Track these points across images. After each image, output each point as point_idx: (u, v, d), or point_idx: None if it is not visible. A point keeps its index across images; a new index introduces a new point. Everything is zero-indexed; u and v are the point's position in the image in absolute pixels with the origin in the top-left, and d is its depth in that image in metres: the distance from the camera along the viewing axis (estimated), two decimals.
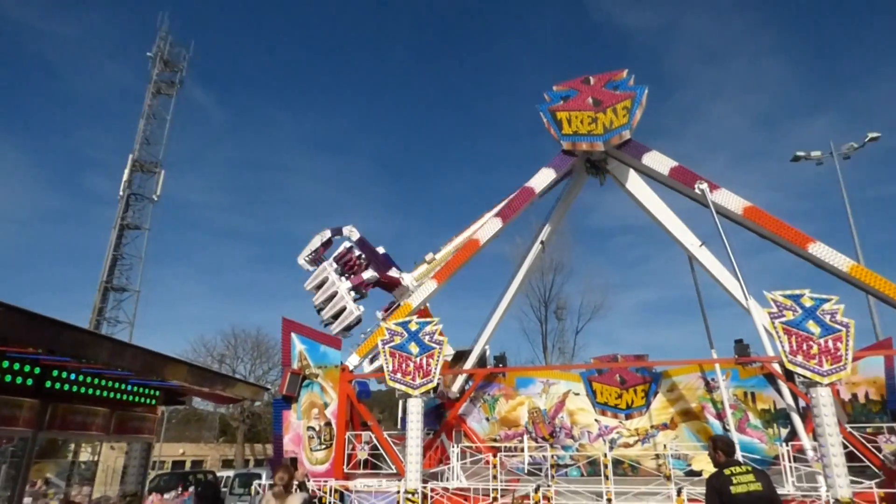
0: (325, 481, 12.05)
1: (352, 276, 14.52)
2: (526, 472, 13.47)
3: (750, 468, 5.15)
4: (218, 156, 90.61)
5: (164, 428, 42.58)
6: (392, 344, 11.25)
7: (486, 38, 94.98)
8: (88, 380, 6.75)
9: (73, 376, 6.45)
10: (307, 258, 14.90)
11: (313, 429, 13.18)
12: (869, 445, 10.74)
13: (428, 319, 11.61)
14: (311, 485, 11.77)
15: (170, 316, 78.28)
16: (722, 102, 76.58)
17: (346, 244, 15.14)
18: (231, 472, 20.60)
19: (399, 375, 11.02)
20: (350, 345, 14.00)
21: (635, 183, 15.04)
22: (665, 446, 13.98)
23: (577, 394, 16.43)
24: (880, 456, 10.61)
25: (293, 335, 13.89)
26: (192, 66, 41.92)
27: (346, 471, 12.62)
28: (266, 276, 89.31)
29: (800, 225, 12.52)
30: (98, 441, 7.81)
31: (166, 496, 15.34)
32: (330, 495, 11.76)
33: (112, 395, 7.15)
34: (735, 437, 12.83)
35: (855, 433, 10.93)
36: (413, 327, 11.31)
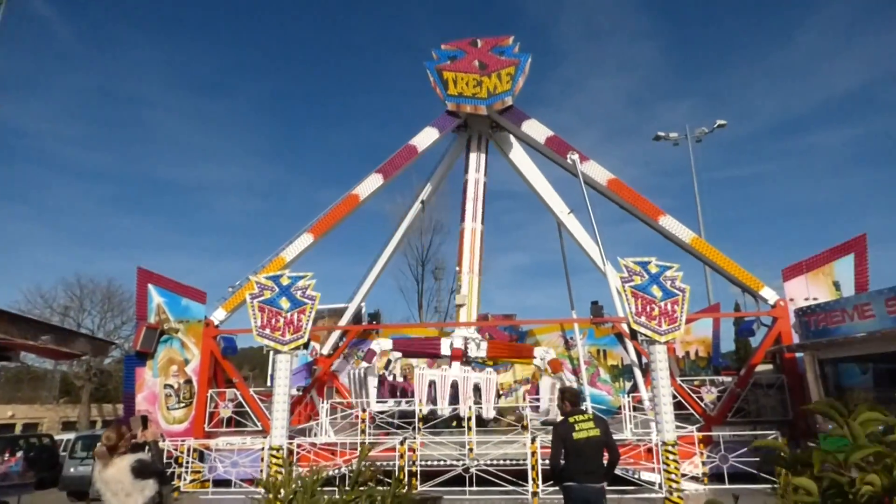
0: (183, 440, 11.44)
1: None
2: (396, 425, 13.76)
3: (591, 416, 5.62)
4: (65, 81, 78.48)
5: None
6: (261, 298, 10.74)
7: None
8: None
9: None
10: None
11: (171, 387, 12.36)
12: (694, 396, 12.31)
13: (301, 274, 11.23)
14: (166, 444, 11.11)
15: None
16: (599, 79, 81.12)
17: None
18: (72, 435, 18.78)
19: (268, 331, 10.59)
20: (216, 299, 13.18)
21: (514, 149, 15.51)
22: (525, 399, 15.00)
23: None
24: (702, 404, 12.22)
25: (150, 287, 12.77)
26: None
27: (207, 429, 12.06)
28: (121, 222, 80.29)
29: (656, 199, 13.80)
30: None
31: None
32: (188, 455, 11.20)
33: None
34: (587, 390, 14.09)
35: (684, 385, 12.45)
36: (285, 282, 10.87)
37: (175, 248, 77.29)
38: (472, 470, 10.22)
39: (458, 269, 14.93)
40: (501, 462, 10.42)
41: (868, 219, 66.55)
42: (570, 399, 5.80)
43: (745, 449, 10.23)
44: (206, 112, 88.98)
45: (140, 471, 4.59)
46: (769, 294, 12.38)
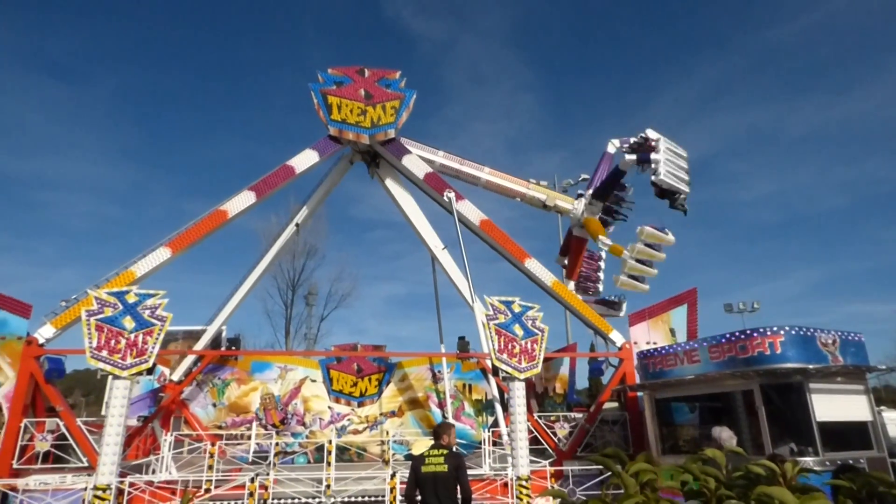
0: None
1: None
2: (250, 460, 12.89)
3: (444, 452, 5.77)
4: None
5: None
6: (100, 316, 9.61)
7: (273, 4, 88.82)
8: None
9: None
10: None
11: None
12: (549, 431, 12.93)
13: (152, 291, 10.26)
14: None
15: None
16: (482, 123, 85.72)
17: None
18: None
19: (105, 353, 9.46)
20: (44, 313, 11.52)
21: (394, 181, 15.65)
22: (387, 432, 14.79)
23: (314, 380, 16.38)
24: (555, 439, 12.85)
25: None
26: None
27: (15, 466, 10.38)
28: None
29: (525, 242, 14.70)
30: None
31: None
32: None
33: None
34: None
35: (540, 421, 13.04)
36: (131, 299, 9.84)
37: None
38: None
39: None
40: (360, 499, 10.11)
41: (700, 274, 76.13)
42: (433, 434, 6.01)
43: (593, 482, 10.88)
44: (60, 98, 79.88)
45: None
46: (617, 337, 13.50)
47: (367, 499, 10.17)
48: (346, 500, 10.02)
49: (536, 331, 10.24)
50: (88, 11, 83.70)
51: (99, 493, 8.84)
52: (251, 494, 9.62)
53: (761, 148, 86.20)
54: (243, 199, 13.39)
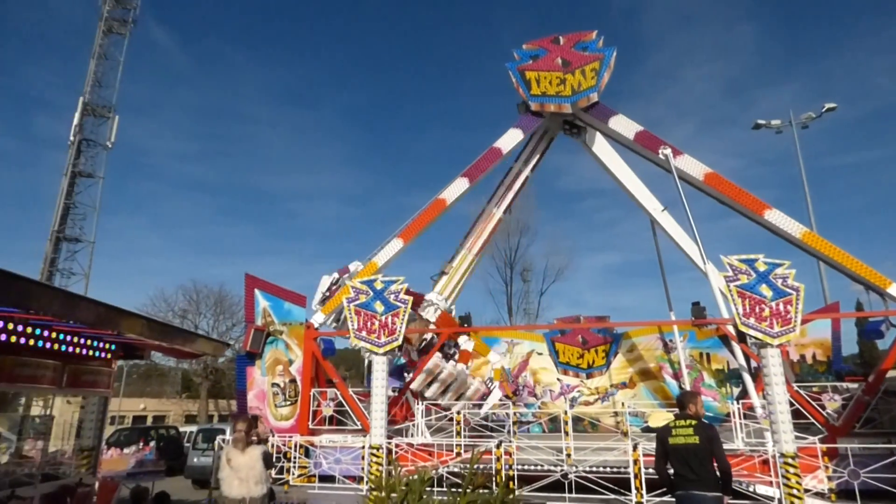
0: (290, 437, 12.11)
1: None
2: (490, 428, 13.80)
3: (693, 423, 5.49)
4: (179, 102, 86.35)
5: (122, 383, 41.97)
6: (357, 302, 11.17)
7: None
8: (37, 332, 6.49)
9: (20, 328, 6.18)
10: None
11: (278, 385, 13.16)
12: (814, 403, 11.28)
13: (393, 278, 11.56)
14: (275, 440, 11.84)
15: (127, 269, 76.22)
16: (693, 68, 76.99)
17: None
18: (194, 428, 20.49)
19: (364, 333, 10.98)
20: (313, 303, 13.85)
21: (601, 146, 15.07)
22: (623, 404, 14.47)
23: (541, 353, 16.82)
24: (824, 413, 11.16)
25: (257, 292, 13.68)
26: (150, 5, 39.70)
27: (311, 427, 12.70)
28: (229, 231, 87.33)
29: (758, 192, 12.78)
30: (50, 394, 7.59)
31: (126, 451, 15.18)
32: (295, 450, 11.84)
33: (63, 347, 6.92)
34: None
35: (801, 392, 11.44)
36: (378, 286, 11.22)
37: (275, 253, 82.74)
38: (571, 476, 9.99)
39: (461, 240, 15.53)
40: (601, 469, 10.10)
41: None
42: (677, 404, 5.75)
43: (880, 464, 9.21)
44: (299, 123, 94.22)
45: (268, 460, 4.99)
46: None
47: (608, 469, 10.09)
48: (588, 469, 10.08)
49: (789, 290, 8.97)
50: (310, 43, 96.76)
51: (374, 451, 10.39)
52: (498, 459, 10.28)
53: None
54: (458, 186, 14.20)
